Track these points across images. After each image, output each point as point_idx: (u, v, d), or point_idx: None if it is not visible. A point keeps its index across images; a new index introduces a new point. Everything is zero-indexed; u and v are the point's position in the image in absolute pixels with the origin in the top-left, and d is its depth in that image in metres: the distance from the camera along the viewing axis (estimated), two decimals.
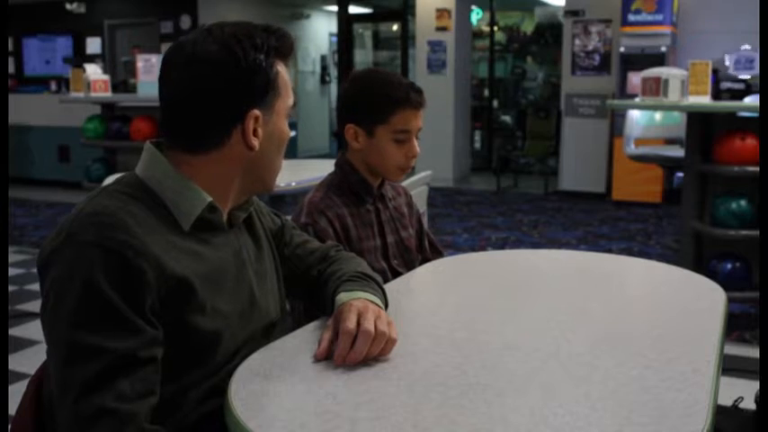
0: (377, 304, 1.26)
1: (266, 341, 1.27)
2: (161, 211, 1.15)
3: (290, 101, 1.25)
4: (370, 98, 1.81)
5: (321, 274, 1.44)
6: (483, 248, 5.81)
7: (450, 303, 1.61)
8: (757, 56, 5.93)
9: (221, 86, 1.15)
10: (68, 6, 10.98)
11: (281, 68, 1.22)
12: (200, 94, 1.16)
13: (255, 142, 1.19)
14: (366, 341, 1.15)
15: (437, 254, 2.07)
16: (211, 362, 1.15)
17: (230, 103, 1.17)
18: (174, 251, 1.11)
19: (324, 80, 13.23)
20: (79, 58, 9.61)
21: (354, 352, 1.14)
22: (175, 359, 1.10)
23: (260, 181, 1.26)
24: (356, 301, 1.23)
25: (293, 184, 3.36)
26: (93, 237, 1.04)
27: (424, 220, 3.25)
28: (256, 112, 1.18)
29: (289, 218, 1.64)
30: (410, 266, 1.92)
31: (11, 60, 10.98)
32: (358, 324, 1.17)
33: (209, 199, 1.18)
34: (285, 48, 1.23)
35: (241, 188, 1.24)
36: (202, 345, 1.13)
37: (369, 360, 1.15)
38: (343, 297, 1.27)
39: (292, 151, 10.33)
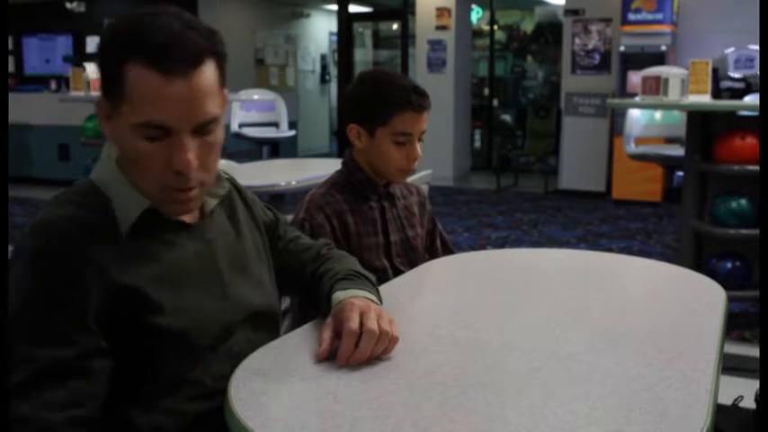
0: (376, 303, 1.25)
1: (254, 332, 1.25)
2: (110, 215, 1.13)
3: (140, 117, 1.07)
4: (372, 99, 1.81)
5: (314, 272, 1.43)
6: (483, 247, 5.81)
7: (450, 302, 1.61)
8: (757, 54, 5.93)
9: None
10: (68, 5, 10.98)
11: (135, 73, 1.06)
12: None
13: (107, 131, 1.15)
14: (371, 340, 1.13)
15: (448, 254, 2.07)
16: (185, 357, 1.14)
17: None
18: (121, 258, 1.10)
19: (324, 79, 13.23)
20: (79, 56, 9.60)
21: (359, 352, 1.13)
22: (146, 359, 1.11)
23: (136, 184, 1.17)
24: (357, 300, 1.22)
25: (293, 183, 3.36)
26: (38, 248, 1.06)
27: None
28: (101, 100, 1.13)
29: (290, 217, 1.64)
30: (414, 265, 1.92)
31: (11, 59, 10.97)
32: (361, 323, 1.16)
33: (146, 205, 1.15)
34: (138, 48, 1.06)
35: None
36: (170, 343, 1.12)
37: (372, 359, 1.15)
38: (340, 295, 1.26)
39: (292, 150, 10.33)
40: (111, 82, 1.09)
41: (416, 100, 1.79)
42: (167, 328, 1.12)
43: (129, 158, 1.14)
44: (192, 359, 1.16)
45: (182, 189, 1.13)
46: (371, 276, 1.40)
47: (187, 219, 1.22)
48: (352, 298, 1.23)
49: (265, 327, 1.30)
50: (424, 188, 3.17)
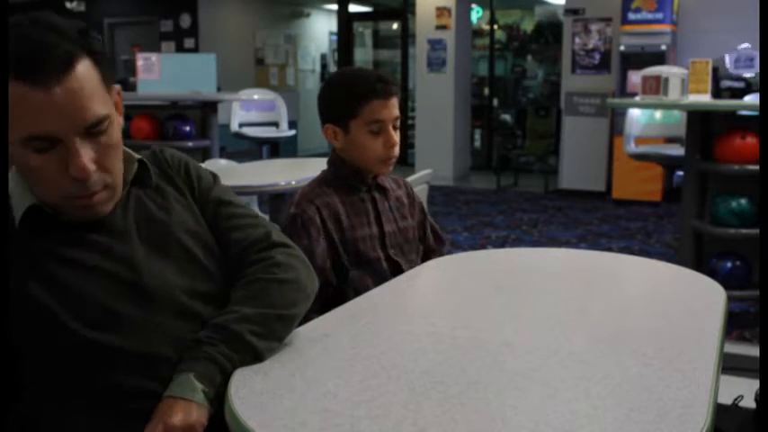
0: (194, 401, 1.08)
1: (190, 315, 1.19)
2: (7, 215, 1.14)
3: (22, 132, 1.06)
4: (340, 95, 1.88)
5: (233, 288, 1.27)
6: (483, 247, 5.81)
7: (450, 302, 1.61)
8: (757, 54, 5.93)
9: None
10: (69, 5, 10.98)
11: (11, 88, 1.04)
12: None
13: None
14: None
15: (440, 242, 2.11)
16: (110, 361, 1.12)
17: None
18: (18, 260, 1.11)
19: (324, 79, 13.24)
20: None
21: None
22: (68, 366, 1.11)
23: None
24: (168, 405, 1.08)
25: (293, 182, 3.35)
26: None
27: None
28: None
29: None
30: (408, 256, 1.95)
31: None
32: None
33: (29, 204, 1.14)
34: (14, 63, 1.04)
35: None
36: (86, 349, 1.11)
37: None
38: (172, 385, 1.11)
39: (292, 150, 10.33)
40: None
41: (381, 87, 1.84)
42: (73, 334, 1.10)
43: (24, 175, 1.14)
44: (110, 343, 1.12)
45: (84, 195, 1.12)
46: (245, 335, 1.16)
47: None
48: (168, 402, 1.08)
49: (210, 308, 1.22)
50: (424, 188, 3.18)
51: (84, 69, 1.08)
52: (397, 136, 1.88)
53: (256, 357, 1.16)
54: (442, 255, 2.05)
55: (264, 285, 1.24)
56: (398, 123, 1.90)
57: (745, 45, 6.39)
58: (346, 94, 1.87)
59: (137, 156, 1.26)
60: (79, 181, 1.09)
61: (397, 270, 1.86)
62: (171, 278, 1.20)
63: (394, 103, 1.88)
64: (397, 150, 1.89)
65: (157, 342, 1.15)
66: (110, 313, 1.14)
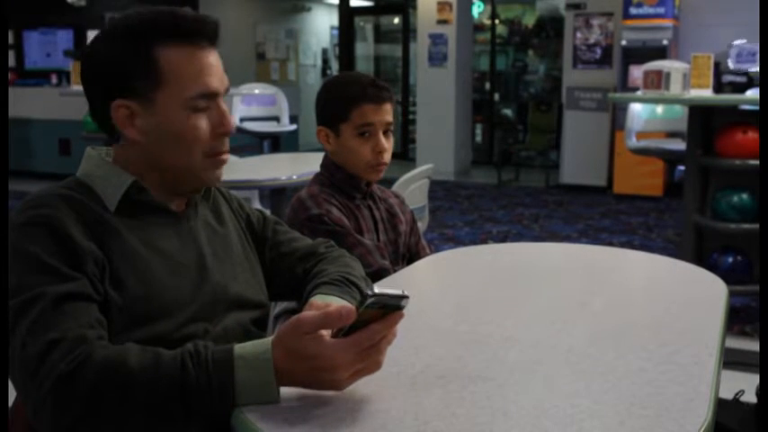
0: None
1: (242, 319, 1.26)
2: (92, 197, 1.18)
3: (189, 91, 1.16)
4: (333, 98, 1.88)
5: (307, 272, 1.40)
6: (484, 242, 5.81)
7: (451, 296, 1.61)
8: (758, 49, 5.92)
9: (89, 78, 1.20)
10: None
11: (170, 54, 1.14)
12: (84, 85, 1.21)
13: (131, 132, 1.18)
14: None
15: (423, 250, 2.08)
16: (154, 327, 1.14)
17: (94, 94, 1.20)
18: (105, 234, 1.14)
19: (325, 73, 13.22)
20: (80, 51, 9.60)
21: None
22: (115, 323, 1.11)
23: (175, 177, 1.22)
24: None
25: (294, 177, 3.35)
26: (24, 219, 1.10)
27: (425, 214, 3.27)
28: (120, 102, 1.16)
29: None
30: (394, 267, 1.92)
31: (11, 53, 10.96)
32: None
33: (132, 179, 1.19)
34: (169, 28, 1.15)
35: (162, 179, 1.22)
36: (138, 309, 1.13)
37: None
38: (317, 300, 1.22)
39: (293, 145, 10.32)
40: (138, 73, 1.15)
41: (372, 91, 1.83)
42: (132, 296, 1.12)
43: (174, 139, 1.18)
44: (163, 331, 1.14)
45: (224, 151, 1.23)
46: (362, 283, 1.35)
47: (173, 207, 1.25)
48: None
49: (254, 317, 1.29)
50: (425, 182, 3.18)
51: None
52: (388, 143, 1.87)
53: None
54: None
55: (346, 262, 1.41)
56: (391, 130, 1.89)
57: (741, 41, 6.39)
58: (338, 96, 1.86)
59: None
60: (224, 136, 1.21)
61: None
62: (230, 282, 1.27)
63: (387, 108, 1.85)
64: (386, 157, 1.87)
65: (223, 329, 1.22)
66: (176, 301, 1.17)
